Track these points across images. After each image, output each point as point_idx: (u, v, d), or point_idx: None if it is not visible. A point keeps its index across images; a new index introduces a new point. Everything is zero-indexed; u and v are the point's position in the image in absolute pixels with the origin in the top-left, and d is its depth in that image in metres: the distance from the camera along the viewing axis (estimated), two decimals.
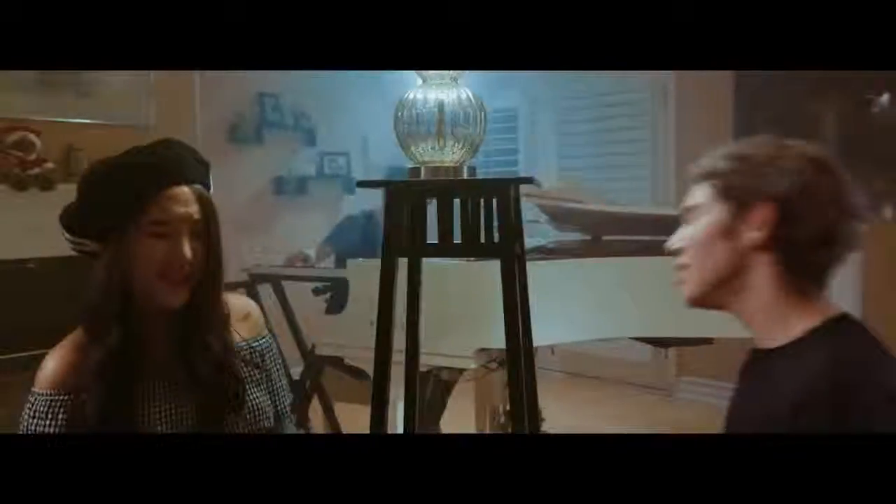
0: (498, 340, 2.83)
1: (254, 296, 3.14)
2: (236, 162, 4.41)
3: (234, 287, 3.20)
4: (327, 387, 3.13)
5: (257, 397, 1.27)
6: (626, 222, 3.62)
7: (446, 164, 1.52)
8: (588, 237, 3.68)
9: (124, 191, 1.10)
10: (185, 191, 1.13)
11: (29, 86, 3.35)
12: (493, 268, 1.48)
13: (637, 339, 3.05)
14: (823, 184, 0.98)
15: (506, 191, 1.45)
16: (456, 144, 1.51)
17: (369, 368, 2.95)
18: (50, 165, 3.29)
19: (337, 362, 3.00)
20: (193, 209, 1.13)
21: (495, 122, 5.37)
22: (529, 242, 2.84)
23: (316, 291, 2.97)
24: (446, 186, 1.48)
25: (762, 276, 1.00)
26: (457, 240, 1.46)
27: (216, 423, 1.19)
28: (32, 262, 3.08)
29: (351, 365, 2.89)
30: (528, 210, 3.58)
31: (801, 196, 0.97)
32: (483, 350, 2.94)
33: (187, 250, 1.11)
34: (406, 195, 1.47)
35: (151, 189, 1.11)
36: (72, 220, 1.14)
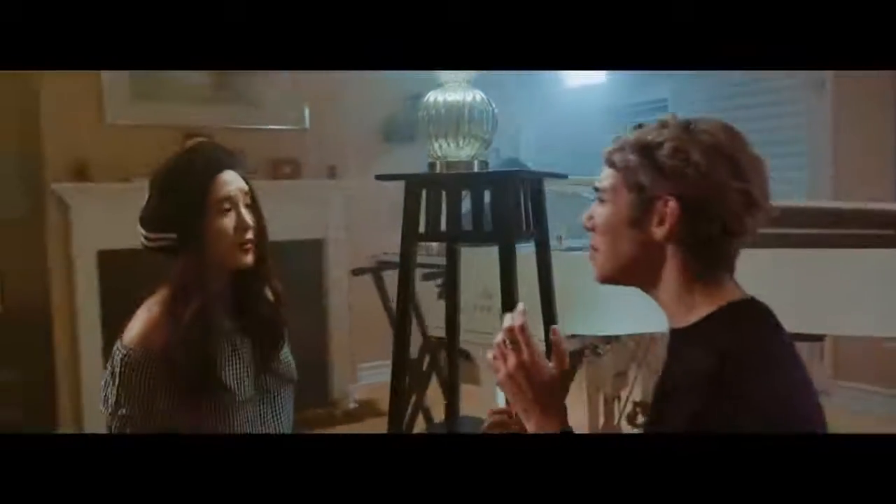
0: (585, 327, 2.94)
1: (379, 280, 3.47)
2: (390, 160, 4.78)
3: (361, 273, 3.56)
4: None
5: (288, 351, 1.54)
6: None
7: (461, 160, 1.70)
8: None
9: (188, 183, 1.37)
10: (230, 173, 1.39)
11: (205, 97, 3.93)
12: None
13: None
14: (727, 179, 0.97)
15: (504, 183, 1.61)
16: (470, 141, 1.68)
17: (475, 351, 3.18)
18: None
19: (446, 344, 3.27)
20: (242, 184, 1.39)
21: (643, 115, 5.34)
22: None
23: (426, 277, 3.22)
24: (455, 179, 1.67)
25: (668, 263, 1.02)
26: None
27: (270, 360, 1.46)
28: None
29: (463, 349, 3.12)
30: None
31: (704, 193, 0.97)
32: (574, 336, 3.06)
33: (248, 218, 1.38)
34: (422, 187, 1.67)
35: (208, 175, 1.36)
36: (150, 220, 1.39)
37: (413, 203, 1.67)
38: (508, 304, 1.60)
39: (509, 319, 1.12)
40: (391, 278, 3.43)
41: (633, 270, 1.06)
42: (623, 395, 3.54)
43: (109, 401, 1.35)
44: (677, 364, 1.04)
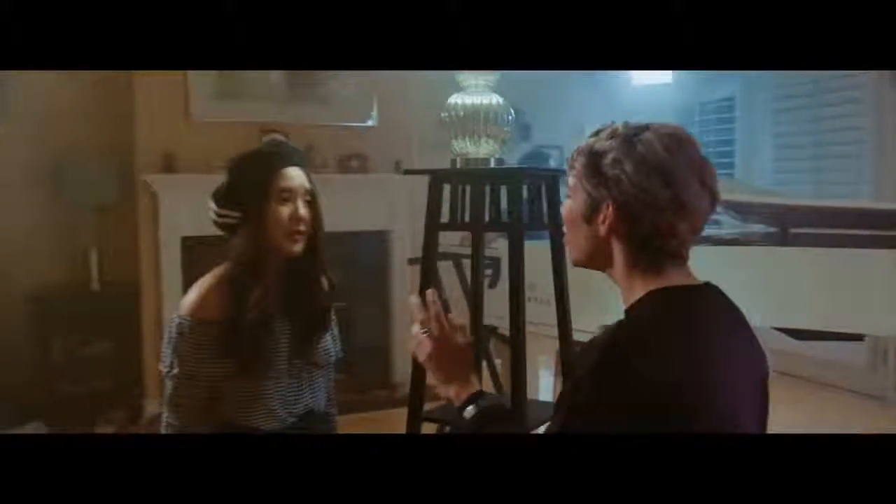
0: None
1: (458, 266, 3.65)
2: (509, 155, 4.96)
3: (416, 262, 3.76)
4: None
5: (329, 338, 1.72)
6: (815, 215, 3.55)
7: (480, 156, 1.87)
8: (775, 229, 3.66)
9: (258, 170, 1.56)
10: (296, 169, 1.58)
11: (280, 96, 4.22)
12: None
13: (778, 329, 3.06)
14: (657, 188, 1.09)
15: (516, 179, 1.78)
16: (488, 140, 1.85)
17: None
18: None
19: (493, 331, 3.43)
20: (304, 182, 1.58)
21: (711, 113, 5.34)
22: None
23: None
24: (473, 174, 1.85)
25: (616, 254, 1.16)
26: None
27: (305, 347, 1.63)
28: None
29: (504, 334, 3.29)
30: None
31: (637, 203, 1.09)
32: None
33: (304, 211, 1.56)
34: (443, 181, 1.86)
35: (275, 168, 1.55)
36: (222, 197, 1.59)
37: (435, 195, 1.86)
38: (515, 287, 1.77)
39: (420, 307, 1.28)
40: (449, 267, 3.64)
41: (593, 257, 1.20)
42: None
43: (166, 362, 1.55)
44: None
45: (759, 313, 2.90)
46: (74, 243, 4.07)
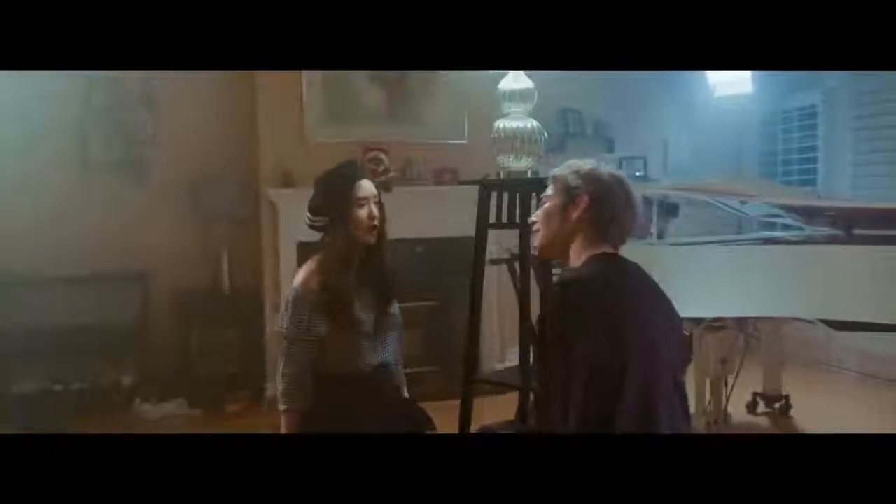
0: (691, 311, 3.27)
1: (512, 269, 4.08)
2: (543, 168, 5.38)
3: (496, 263, 4.19)
4: None
5: (396, 306, 2.24)
6: (878, 217, 3.71)
7: (520, 169, 2.31)
8: (839, 231, 3.83)
9: (341, 185, 2.11)
10: (367, 182, 2.13)
11: (381, 117, 4.79)
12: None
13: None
14: (619, 192, 1.62)
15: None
16: (525, 157, 2.29)
17: None
18: (393, 174, 4.66)
19: None
20: (373, 191, 2.13)
21: (794, 121, 5.48)
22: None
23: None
24: (514, 184, 2.28)
25: (576, 239, 1.65)
26: None
27: (382, 309, 2.16)
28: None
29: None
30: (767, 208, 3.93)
31: (603, 195, 1.61)
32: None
33: (376, 211, 2.11)
34: (491, 190, 2.31)
35: (353, 181, 2.11)
36: (315, 206, 2.15)
37: (484, 201, 2.31)
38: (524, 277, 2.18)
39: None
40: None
41: (559, 240, 1.66)
42: (729, 380, 3.85)
43: (283, 324, 2.09)
44: None
45: (808, 305, 3.17)
46: (209, 249, 4.78)
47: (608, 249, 1.63)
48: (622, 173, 1.67)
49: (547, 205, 1.69)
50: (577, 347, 1.45)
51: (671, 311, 1.63)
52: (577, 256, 1.63)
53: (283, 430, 2.07)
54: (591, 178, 1.63)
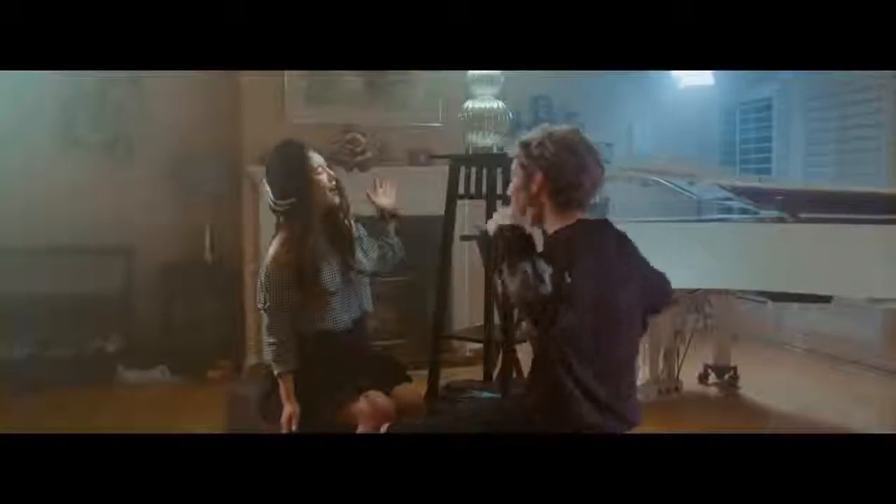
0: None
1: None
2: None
3: (467, 239, 4.43)
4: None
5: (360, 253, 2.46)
6: (825, 201, 3.98)
7: (486, 146, 2.55)
8: (786, 215, 4.10)
9: (294, 161, 2.34)
10: (313, 152, 2.35)
11: (361, 101, 5.00)
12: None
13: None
14: (570, 160, 1.80)
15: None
16: (491, 135, 2.53)
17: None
18: (369, 155, 4.87)
19: None
20: (322, 160, 2.36)
21: (750, 112, 5.78)
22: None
23: None
24: (481, 159, 2.52)
25: (545, 208, 1.84)
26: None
27: (347, 260, 2.38)
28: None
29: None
30: (719, 191, 4.20)
31: (554, 168, 1.80)
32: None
33: (332, 173, 2.35)
34: (460, 164, 2.55)
35: (301, 156, 2.33)
36: (278, 191, 2.34)
37: (454, 174, 2.55)
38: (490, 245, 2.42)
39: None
40: None
41: (529, 210, 1.87)
42: (681, 351, 4.13)
43: (260, 298, 2.33)
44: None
45: (751, 278, 3.44)
46: (192, 223, 4.96)
47: (577, 216, 1.82)
48: (573, 132, 1.82)
49: (511, 184, 1.89)
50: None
51: (639, 266, 1.86)
52: (551, 226, 1.84)
53: (282, 393, 2.27)
54: (540, 153, 1.80)
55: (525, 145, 1.84)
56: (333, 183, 2.33)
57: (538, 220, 1.86)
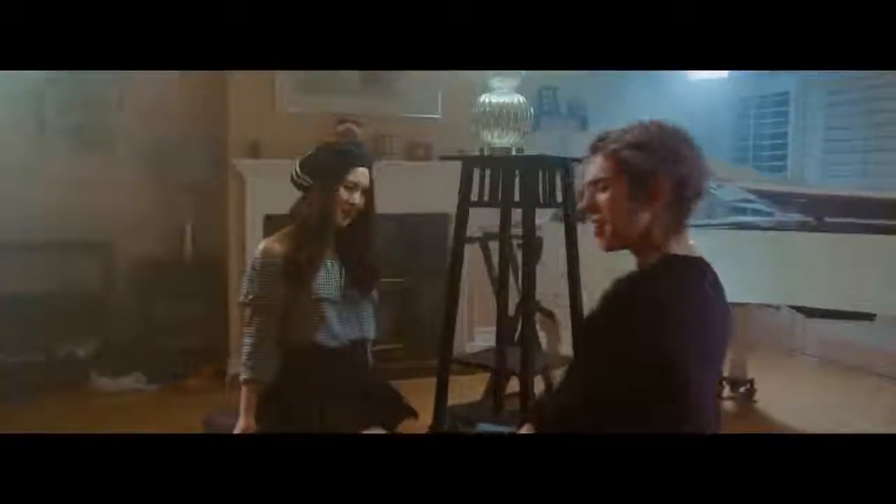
0: None
1: (485, 248, 4.03)
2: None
3: (469, 241, 4.14)
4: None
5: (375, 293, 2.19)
6: (849, 205, 3.73)
7: (504, 146, 2.24)
8: (810, 219, 3.85)
9: (340, 161, 2.09)
10: (364, 170, 2.10)
11: (355, 90, 4.67)
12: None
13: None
14: (697, 162, 1.43)
15: (530, 165, 2.14)
16: (509, 133, 2.22)
17: (559, 311, 3.66)
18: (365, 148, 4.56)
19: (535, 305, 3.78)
20: (367, 180, 2.10)
21: (767, 107, 5.50)
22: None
23: (519, 246, 3.76)
24: (497, 161, 2.22)
25: (654, 223, 1.43)
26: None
27: (359, 285, 2.13)
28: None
29: (543, 307, 3.63)
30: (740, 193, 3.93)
31: (682, 174, 1.40)
32: None
33: (358, 199, 2.07)
34: (473, 166, 2.24)
35: (351, 164, 2.08)
36: (306, 163, 2.12)
37: (467, 177, 2.24)
38: (528, 252, 2.13)
39: None
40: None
41: (628, 236, 1.46)
42: None
43: (245, 291, 2.07)
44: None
45: (779, 291, 3.18)
46: (172, 219, 4.62)
47: (686, 243, 1.47)
48: (678, 126, 1.44)
49: (610, 191, 1.44)
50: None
51: (727, 314, 1.48)
52: (655, 250, 1.45)
53: (241, 404, 2.01)
54: (662, 155, 1.39)
55: (635, 145, 1.40)
56: (346, 207, 2.08)
57: (636, 243, 1.47)
